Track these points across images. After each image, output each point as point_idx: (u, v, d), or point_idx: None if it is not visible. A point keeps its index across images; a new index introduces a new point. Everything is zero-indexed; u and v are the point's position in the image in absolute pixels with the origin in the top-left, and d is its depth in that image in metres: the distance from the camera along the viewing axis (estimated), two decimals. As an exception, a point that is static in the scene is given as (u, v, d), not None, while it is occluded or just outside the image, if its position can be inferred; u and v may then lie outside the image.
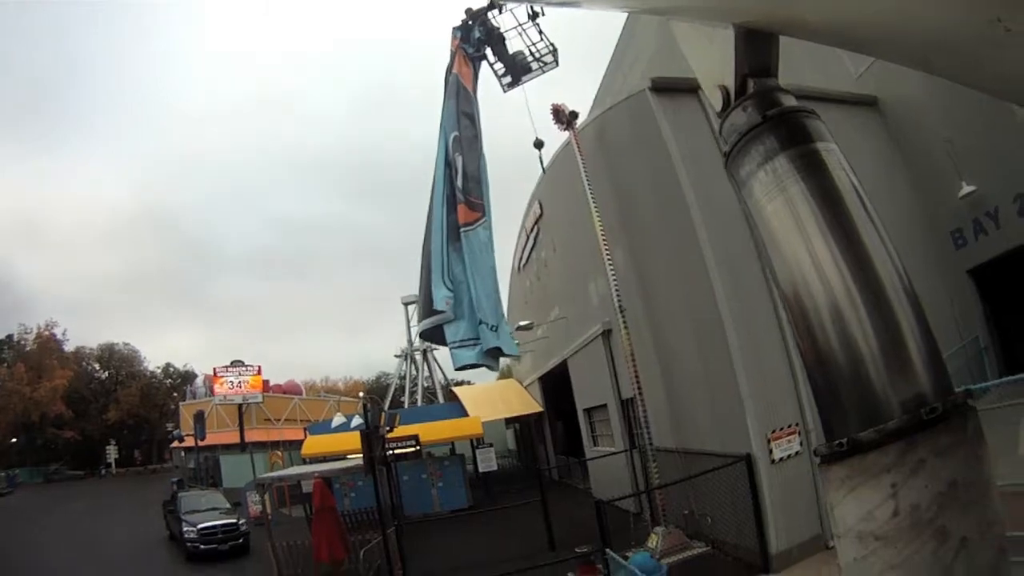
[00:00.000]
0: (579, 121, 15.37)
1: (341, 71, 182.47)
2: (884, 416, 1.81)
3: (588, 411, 20.72)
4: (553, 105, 14.84)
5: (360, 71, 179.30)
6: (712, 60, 2.52)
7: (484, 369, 13.25)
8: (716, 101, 2.50)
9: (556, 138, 16.85)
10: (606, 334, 16.52)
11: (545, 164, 17.55)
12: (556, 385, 25.53)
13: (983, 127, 12.23)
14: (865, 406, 1.87)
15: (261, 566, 16.64)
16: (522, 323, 21.64)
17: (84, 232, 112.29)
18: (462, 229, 9.77)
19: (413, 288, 10.84)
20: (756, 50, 2.38)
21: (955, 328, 12.80)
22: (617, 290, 13.31)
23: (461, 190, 10.00)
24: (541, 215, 22.33)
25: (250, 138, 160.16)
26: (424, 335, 10.20)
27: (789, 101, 2.40)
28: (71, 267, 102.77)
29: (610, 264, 13.48)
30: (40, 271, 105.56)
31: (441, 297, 9.39)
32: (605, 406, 18.06)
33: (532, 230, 23.96)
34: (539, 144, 15.87)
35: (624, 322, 13.19)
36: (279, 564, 15.78)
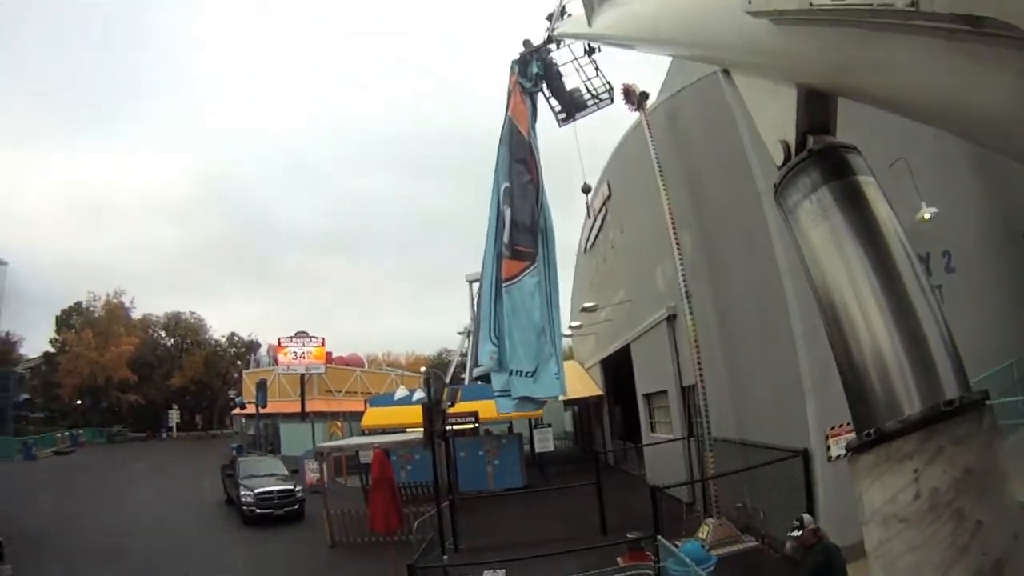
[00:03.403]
0: (649, 102, 15.07)
1: (410, 50, 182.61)
2: (908, 411, 2.08)
3: (648, 396, 20.55)
4: (624, 85, 14.56)
5: (430, 50, 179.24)
6: (774, 114, 2.82)
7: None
8: (777, 155, 2.76)
9: (627, 118, 16.62)
10: (671, 319, 16.26)
11: (614, 147, 17.26)
12: (617, 369, 25.42)
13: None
14: (890, 402, 2.14)
15: (315, 532, 17.23)
16: (586, 305, 21.60)
17: (152, 205, 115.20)
18: (504, 285, 10.35)
19: (477, 265, 11.22)
20: (817, 109, 2.67)
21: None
22: (683, 274, 13.08)
23: (507, 244, 10.40)
24: (609, 196, 22.02)
25: (317, 113, 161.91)
26: (477, 379, 11.10)
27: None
28: (140, 239, 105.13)
29: (677, 247, 13.26)
30: (109, 243, 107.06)
31: (486, 352, 10.26)
32: (665, 392, 17.85)
33: (600, 211, 23.67)
34: (586, 189, 17.42)
35: (689, 307, 12.98)
36: (332, 530, 16.38)
